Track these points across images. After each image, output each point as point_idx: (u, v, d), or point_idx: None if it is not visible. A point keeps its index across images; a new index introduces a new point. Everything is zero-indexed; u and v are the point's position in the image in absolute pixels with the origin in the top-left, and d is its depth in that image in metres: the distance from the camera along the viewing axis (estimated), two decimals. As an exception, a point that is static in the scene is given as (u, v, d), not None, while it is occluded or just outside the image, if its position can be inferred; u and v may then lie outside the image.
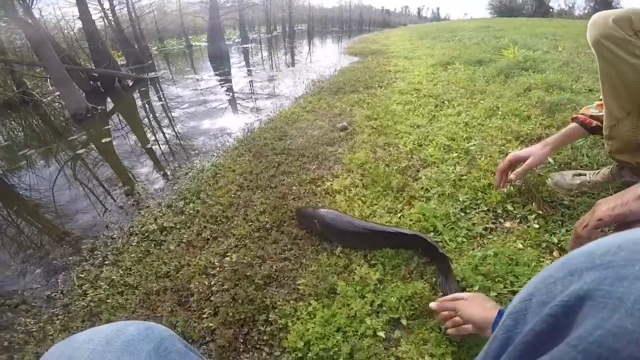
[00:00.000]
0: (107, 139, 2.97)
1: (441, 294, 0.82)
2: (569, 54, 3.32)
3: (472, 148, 1.45)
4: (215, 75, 5.72)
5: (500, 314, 0.62)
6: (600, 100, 0.95)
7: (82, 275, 1.18)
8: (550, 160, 1.22)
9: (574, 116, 1.01)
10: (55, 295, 1.14)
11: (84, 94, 3.94)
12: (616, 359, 0.18)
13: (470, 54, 3.71)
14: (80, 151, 2.79)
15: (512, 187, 1.11)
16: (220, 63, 7.03)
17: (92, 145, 2.90)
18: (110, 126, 3.42)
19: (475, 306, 0.68)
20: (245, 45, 10.66)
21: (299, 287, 0.92)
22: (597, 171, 1.07)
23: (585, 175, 1.08)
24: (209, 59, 7.83)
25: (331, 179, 1.41)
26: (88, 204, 1.90)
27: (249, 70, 5.88)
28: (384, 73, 3.52)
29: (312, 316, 0.82)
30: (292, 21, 16.48)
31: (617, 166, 1.01)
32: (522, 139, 1.48)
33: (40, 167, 2.58)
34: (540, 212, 1.00)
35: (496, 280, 0.83)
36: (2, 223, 1.86)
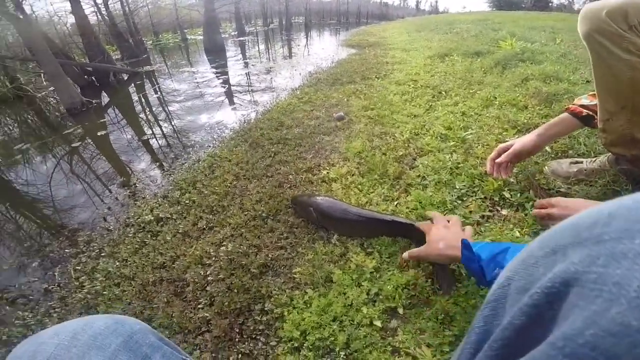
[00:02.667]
0: (103, 132, 2.95)
1: (438, 286, 0.82)
2: (567, 46, 3.30)
3: (469, 137, 1.44)
4: (212, 68, 5.65)
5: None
6: (593, 92, 0.93)
7: (79, 268, 1.18)
8: (547, 148, 1.21)
9: (565, 107, 1.00)
10: (53, 288, 1.14)
11: (78, 89, 3.90)
12: None
13: (467, 45, 3.68)
14: (76, 144, 2.76)
15: (509, 178, 1.10)
16: (217, 56, 6.95)
17: (88, 139, 2.88)
18: (106, 120, 3.38)
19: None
20: (241, 38, 10.54)
21: (294, 275, 0.91)
22: (594, 159, 1.06)
23: (582, 162, 1.08)
24: (205, 52, 7.73)
25: (328, 168, 1.40)
26: (84, 196, 1.89)
27: (245, 63, 5.82)
28: (381, 64, 3.49)
29: (308, 305, 0.82)
30: (289, 14, 16.28)
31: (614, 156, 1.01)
32: (519, 127, 1.48)
33: (36, 162, 2.56)
34: (538, 199, 1.00)
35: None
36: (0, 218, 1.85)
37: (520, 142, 1.00)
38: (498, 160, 1.02)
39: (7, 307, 1.12)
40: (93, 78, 5.15)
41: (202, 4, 8.62)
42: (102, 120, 3.34)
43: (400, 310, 0.78)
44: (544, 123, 1.46)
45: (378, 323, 0.76)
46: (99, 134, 2.93)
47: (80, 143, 2.79)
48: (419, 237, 0.90)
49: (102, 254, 1.21)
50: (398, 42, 5.67)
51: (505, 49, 3.08)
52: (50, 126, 3.56)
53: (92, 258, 1.22)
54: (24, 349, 0.30)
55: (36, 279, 1.23)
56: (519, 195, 1.04)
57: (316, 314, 0.78)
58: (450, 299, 0.78)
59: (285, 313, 0.81)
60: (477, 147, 1.34)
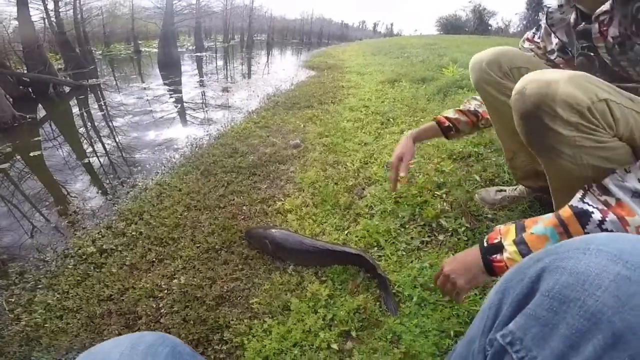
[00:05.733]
0: (37, 153, 2.69)
1: (385, 308, 0.90)
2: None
3: (411, 167, 1.57)
4: (165, 84, 5.47)
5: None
6: (458, 108, 1.10)
7: (12, 300, 1.09)
8: (477, 177, 1.38)
9: (434, 117, 1.15)
10: None
11: (11, 100, 3.54)
12: (570, 296, 0.27)
13: (415, 71, 4.01)
14: (4, 166, 2.49)
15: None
16: (171, 71, 6.74)
17: (19, 158, 2.61)
18: (41, 137, 3.10)
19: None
20: (199, 54, 10.34)
21: (252, 305, 0.93)
22: (515, 187, 1.23)
23: (505, 190, 1.24)
24: (159, 67, 7.46)
25: (283, 199, 1.43)
26: (14, 223, 1.72)
27: (201, 80, 5.72)
28: (338, 89, 3.67)
29: (268, 333, 0.84)
30: (251, 31, 16.29)
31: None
32: (454, 157, 1.64)
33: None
34: (468, 225, 1.13)
35: (433, 290, 0.92)
36: None
37: (400, 146, 1.12)
38: (401, 173, 1.10)
39: None
40: (29, 89, 4.71)
41: (161, 16, 8.37)
42: (36, 138, 3.05)
43: (354, 333, 0.83)
44: (475, 152, 1.66)
45: (335, 346, 0.80)
46: (31, 154, 2.68)
47: (8, 164, 2.52)
48: (367, 266, 0.98)
49: (39, 286, 1.14)
50: (354, 65, 6.01)
51: (447, 75, 3.40)
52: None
53: (27, 290, 1.13)
54: (91, 359, 0.35)
55: None
56: (453, 221, 1.16)
57: (276, 341, 0.81)
58: (396, 319, 0.85)
59: (245, 341, 0.82)
60: (418, 176, 1.47)
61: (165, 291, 1.00)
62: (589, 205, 0.57)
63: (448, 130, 1.09)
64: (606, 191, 0.57)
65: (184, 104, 4.01)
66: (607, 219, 0.55)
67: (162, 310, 0.94)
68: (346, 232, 1.18)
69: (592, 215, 0.56)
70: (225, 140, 2.16)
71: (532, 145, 0.70)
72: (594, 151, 0.61)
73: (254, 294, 0.97)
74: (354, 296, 0.93)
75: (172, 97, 4.46)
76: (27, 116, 3.56)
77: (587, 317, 0.25)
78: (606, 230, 0.55)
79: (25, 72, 4.86)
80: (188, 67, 7.42)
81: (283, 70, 6.64)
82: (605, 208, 0.56)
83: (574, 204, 0.59)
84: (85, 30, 7.63)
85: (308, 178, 1.56)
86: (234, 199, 1.46)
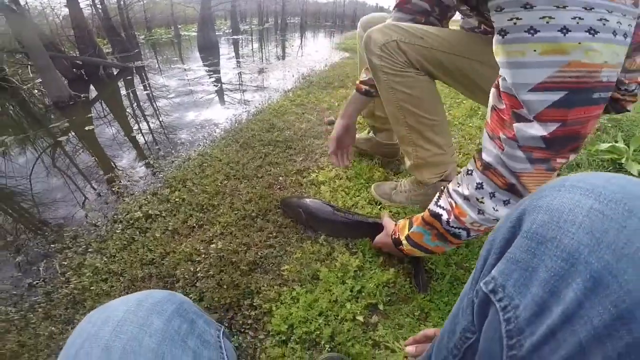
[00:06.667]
0: (90, 127, 2.91)
1: (415, 284, 0.88)
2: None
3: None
4: (204, 65, 5.62)
5: None
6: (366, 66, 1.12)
7: (65, 263, 1.17)
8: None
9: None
10: (37, 283, 1.12)
11: (66, 82, 3.83)
12: (546, 236, 0.26)
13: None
14: (62, 138, 2.72)
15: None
16: (210, 53, 6.91)
17: (74, 133, 2.84)
18: (92, 114, 3.34)
19: None
20: (235, 37, 10.49)
21: (283, 273, 0.95)
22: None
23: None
24: (198, 49, 7.66)
25: (317, 171, 1.44)
26: (69, 192, 1.87)
27: (238, 62, 5.81)
28: (373, 70, 3.55)
29: (295, 301, 0.86)
30: (285, 13, 16.27)
31: None
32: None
33: (21, 155, 2.51)
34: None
35: (467, 270, 0.88)
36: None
37: (334, 129, 1.12)
38: (331, 152, 1.14)
39: (-11, 302, 1.10)
40: (82, 71, 5.05)
41: (199, 0, 8.54)
42: (89, 115, 3.29)
43: (381, 307, 0.83)
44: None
45: (360, 318, 0.80)
46: (86, 128, 2.89)
47: (65, 137, 2.75)
48: None
49: (89, 250, 1.21)
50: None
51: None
52: (34, 119, 3.49)
53: (79, 253, 1.21)
54: (97, 316, 0.35)
55: (20, 274, 1.22)
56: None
57: (303, 309, 0.82)
58: (426, 296, 0.83)
59: (274, 308, 0.85)
60: (459, 155, 1.40)
61: (203, 255, 1.05)
62: (440, 208, 0.71)
63: (369, 93, 1.09)
64: (450, 195, 0.70)
65: (222, 84, 4.11)
66: (450, 219, 0.69)
67: (198, 274, 0.98)
68: (379, 207, 1.16)
69: (442, 216, 0.70)
70: (262, 116, 2.20)
71: (371, 72, 0.95)
72: (395, 77, 0.88)
73: (286, 261, 0.99)
74: (384, 270, 0.92)
75: (211, 77, 4.58)
76: (82, 95, 3.84)
77: (564, 257, 0.24)
78: (452, 227, 0.69)
79: (78, 55, 5.20)
80: (225, 50, 7.55)
81: (316, 52, 6.55)
82: (450, 209, 0.69)
83: (431, 208, 0.74)
84: (128, 16, 7.98)
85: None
86: (270, 170, 1.49)
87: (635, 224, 0.22)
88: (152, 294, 0.39)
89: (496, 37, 0.55)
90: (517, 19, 0.50)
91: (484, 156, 0.61)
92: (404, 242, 0.80)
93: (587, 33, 0.46)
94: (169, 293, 0.41)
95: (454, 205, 0.67)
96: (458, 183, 0.68)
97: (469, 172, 0.65)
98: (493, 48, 0.57)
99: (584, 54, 0.47)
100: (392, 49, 0.86)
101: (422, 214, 0.77)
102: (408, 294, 0.86)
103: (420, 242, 0.77)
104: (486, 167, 0.60)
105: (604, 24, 0.46)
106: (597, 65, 0.47)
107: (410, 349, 0.61)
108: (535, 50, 0.49)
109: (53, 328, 0.93)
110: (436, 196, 0.74)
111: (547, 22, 0.48)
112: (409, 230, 0.79)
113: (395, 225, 0.87)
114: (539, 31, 0.49)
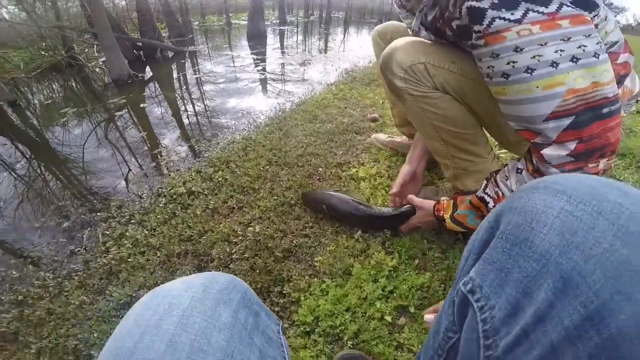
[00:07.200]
0: (144, 105, 3.10)
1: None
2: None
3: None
4: (252, 54, 5.76)
5: None
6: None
7: (108, 232, 1.21)
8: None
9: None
10: (78, 250, 1.17)
11: (127, 62, 4.11)
12: (520, 237, 0.26)
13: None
14: (119, 113, 2.93)
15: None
16: (257, 42, 7.06)
17: (130, 110, 3.04)
18: (146, 93, 3.55)
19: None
20: (282, 27, 10.63)
21: (315, 264, 0.95)
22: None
23: (393, 137, 1.52)
24: (247, 38, 7.86)
25: (357, 166, 1.41)
26: (119, 163, 2.00)
27: (282, 52, 5.89)
28: (421, 69, 3.42)
29: (324, 293, 0.85)
30: (330, 7, 16.20)
31: None
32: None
33: (76, 126, 2.73)
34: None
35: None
36: (36, 177, 1.96)
37: (400, 174, 1.05)
38: (391, 193, 1.05)
39: (30, 266, 1.14)
40: (141, 53, 5.40)
41: (252, -9, 8.73)
42: (143, 94, 3.51)
43: (412, 309, 0.80)
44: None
45: (388, 318, 0.78)
46: (140, 105, 3.09)
47: (120, 113, 2.95)
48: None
49: (132, 221, 1.24)
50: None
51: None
52: (94, 95, 3.78)
53: (122, 224, 1.24)
54: (157, 302, 0.30)
55: (64, 240, 1.27)
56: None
57: (331, 303, 0.82)
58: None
59: (302, 298, 0.85)
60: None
61: (240, 237, 1.06)
62: (487, 195, 0.74)
63: None
64: (497, 185, 0.73)
65: (267, 74, 4.18)
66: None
67: (233, 256, 1.00)
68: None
69: (488, 203, 0.74)
70: (305, 107, 2.21)
71: (392, 93, 0.90)
72: (423, 99, 0.83)
73: (319, 252, 0.99)
74: (419, 273, 0.89)
75: (257, 66, 4.68)
76: (139, 75, 4.10)
77: (536, 258, 0.24)
78: None
79: (140, 37, 5.55)
80: (271, 40, 7.67)
81: (360, 47, 6.44)
82: (496, 198, 0.72)
83: (479, 194, 0.76)
84: (186, 2, 8.35)
85: (386, 151, 1.51)
86: (311, 160, 1.49)
87: (603, 225, 0.22)
88: (216, 277, 0.35)
89: (498, 80, 0.62)
90: (514, 62, 0.58)
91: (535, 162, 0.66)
92: (448, 220, 0.84)
93: (571, 62, 0.54)
94: (232, 278, 0.37)
95: (500, 195, 0.72)
96: (506, 176, 0.72)
97: (519, 171, 0.69)
98: (492, 89, 0.66)
99: (574, 81, 0.54)
100: (419, 71, 0.80)
101: (467, 196, 0.81)
102: (441, 299, 0.83)
103: (465, 222, 0.82)
104: (536, 172, 0.65)
105: (584, 50, 0.54)
106: (587, 88, 0.54)
107: (429, 316, 0.59)
108: (538, 87, 0.57)
109: (85, 297, 0.95)
110: (483, 184, 0.77)
111: (539, 60, 0.55)
112: (453, 211, 0.83)
113: (438, 203, 0.89)
114: (535, 69, 0.56)
